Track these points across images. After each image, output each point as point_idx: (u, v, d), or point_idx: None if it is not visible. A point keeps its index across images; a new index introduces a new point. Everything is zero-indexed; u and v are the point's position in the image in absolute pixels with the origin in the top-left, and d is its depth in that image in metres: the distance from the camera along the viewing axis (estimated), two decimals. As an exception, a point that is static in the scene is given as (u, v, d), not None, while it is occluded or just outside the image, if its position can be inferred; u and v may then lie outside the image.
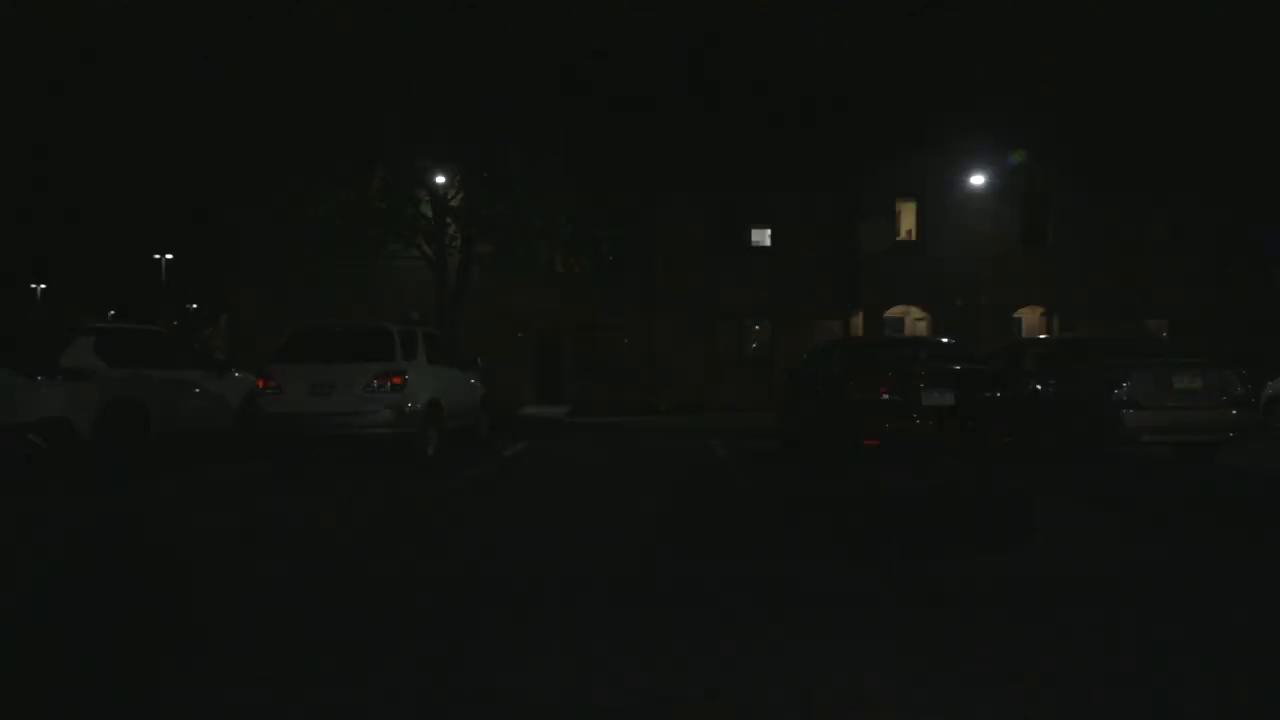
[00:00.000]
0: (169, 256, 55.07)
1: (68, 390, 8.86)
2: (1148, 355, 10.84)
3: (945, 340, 12.11)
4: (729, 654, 3.85)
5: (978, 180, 21.50)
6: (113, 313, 53.82)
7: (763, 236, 23.61)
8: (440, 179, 16.71)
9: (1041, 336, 19.71)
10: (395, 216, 16.64)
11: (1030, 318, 23.60)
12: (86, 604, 4.84)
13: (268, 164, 17.12)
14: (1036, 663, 3.69)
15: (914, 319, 23.60)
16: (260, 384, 9.96)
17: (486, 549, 6.24)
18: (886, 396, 9.30)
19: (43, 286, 55.37)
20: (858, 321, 22.88)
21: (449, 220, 17.34)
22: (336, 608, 4.68)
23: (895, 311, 23.11)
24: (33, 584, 5.37)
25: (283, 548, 6.28)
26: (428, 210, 17.27)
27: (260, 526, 7.03)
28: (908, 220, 22.97)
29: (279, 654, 3.96)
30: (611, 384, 23.22)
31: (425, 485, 9.14)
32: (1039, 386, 10.93)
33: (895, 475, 9.74)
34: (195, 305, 63.96)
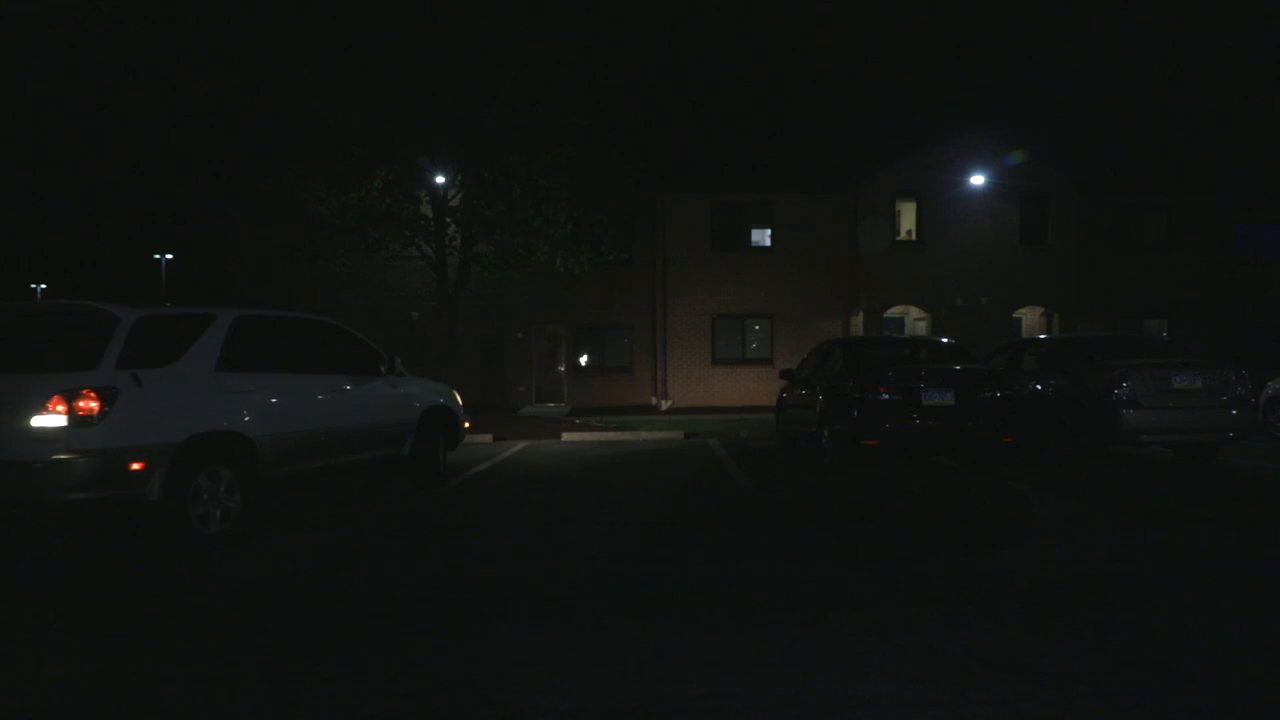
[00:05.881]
0: (169, 256, 55.16)
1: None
2: (1148, 355, 10.84)
3: (945, 340, 12.10)
4: (729, 654, 3.85)
5: (978, 180, 21.46)
6: (113, 313, 53.73)
7: (763, 236, 23.58)
8: (440, 179, 16.71)
9: (1041, 336, 19.66)
10: (395, 216, 16.65)
11: (1030, 318, 23.59)
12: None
13: (268, 164, 17.15)
14: (1037, 662, 3.70)
15: (914, 319, 23.59)
16: None
17: (483, 551, 6.24)
18: (886, 396, 9.30)
19: (43, 287, 55.41)
20: (858, 321, 22.85)
21: (449, 220, 17.33)
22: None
23: (895, 311, 23.08)
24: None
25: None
26: (428, 210, 17.28)
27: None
28: (908, 220, 22.94)
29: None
30: (611, 384, 23.24)
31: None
32: (1039, 386, 10.93)
33: (894, 475, 9.74)
34: (195, 305, 63.81)
